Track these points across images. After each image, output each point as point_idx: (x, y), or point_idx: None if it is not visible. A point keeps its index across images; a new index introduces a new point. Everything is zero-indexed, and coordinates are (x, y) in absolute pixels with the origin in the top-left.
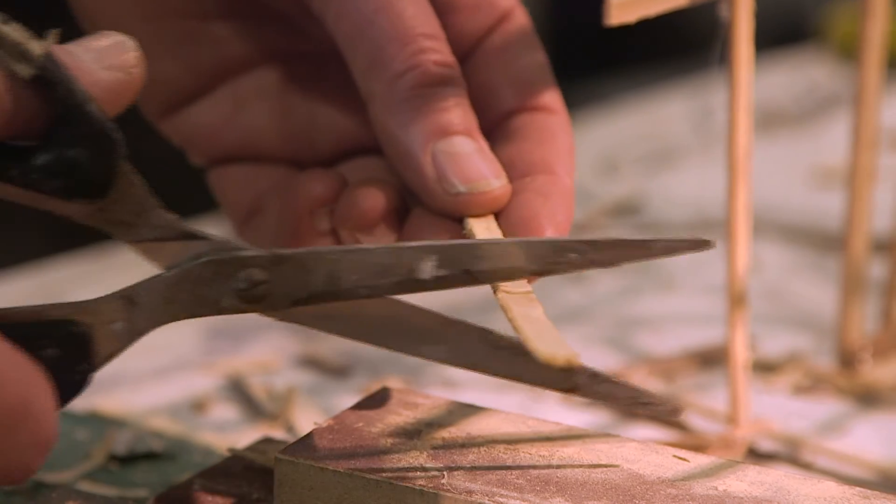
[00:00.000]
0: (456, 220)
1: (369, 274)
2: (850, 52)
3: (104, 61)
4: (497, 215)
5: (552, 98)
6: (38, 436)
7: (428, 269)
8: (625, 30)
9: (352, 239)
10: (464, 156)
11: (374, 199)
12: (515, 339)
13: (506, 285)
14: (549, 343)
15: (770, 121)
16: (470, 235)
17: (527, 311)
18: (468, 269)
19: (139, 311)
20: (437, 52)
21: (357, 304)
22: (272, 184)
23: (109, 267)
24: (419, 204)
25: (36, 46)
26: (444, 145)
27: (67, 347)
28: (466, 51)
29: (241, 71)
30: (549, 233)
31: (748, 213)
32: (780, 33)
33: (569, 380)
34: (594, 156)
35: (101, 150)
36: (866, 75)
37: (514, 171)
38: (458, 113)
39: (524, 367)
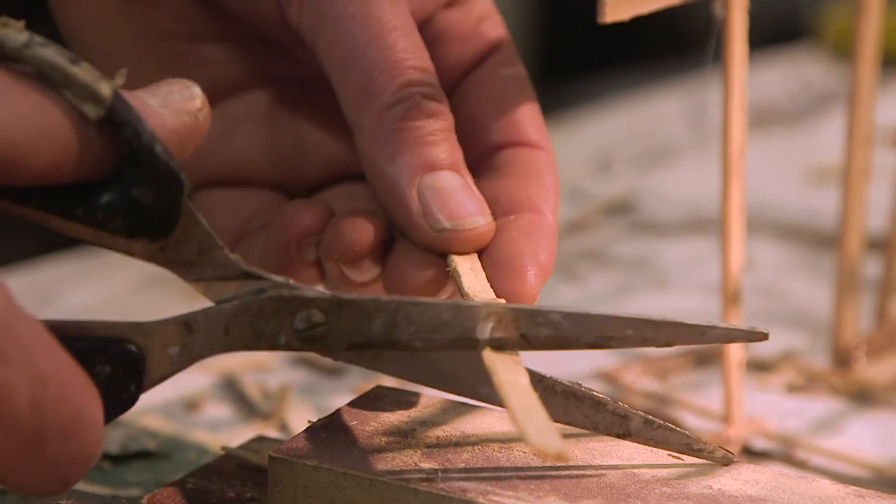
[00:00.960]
0: (440, 255)
1: (427, 328)
2: (844, 51)
3: (171, 105)
4: (480, 252)
5: (539, 134)
6: (84, 450)
7: (486, 329)
8: (619, 28)
9: (336, 270)
10: (450, 191)
11: (360, 232)
12: (571, 385)
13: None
14: (539, 429)
15: (764, 119)
16: (453, 272)
17: (514, 379)
18: (525, 333)
19: (196, 338)
20: (427, 86)
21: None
22: (259, 209)
23: (101, 266)
24: (403, 236)
25: (105, 87)
26: (431, 180)
27: (121, 367)
28: (454, 81)
29: (231, 94)
30: (532, 273)
31: (742, 211)
32: (774, 31)
33: (623, 425)
34: (588, 154)
35: (166, 190)
36: (861, 73)
37: (498, 208)
38: (445, 147)
39: (577, 412)
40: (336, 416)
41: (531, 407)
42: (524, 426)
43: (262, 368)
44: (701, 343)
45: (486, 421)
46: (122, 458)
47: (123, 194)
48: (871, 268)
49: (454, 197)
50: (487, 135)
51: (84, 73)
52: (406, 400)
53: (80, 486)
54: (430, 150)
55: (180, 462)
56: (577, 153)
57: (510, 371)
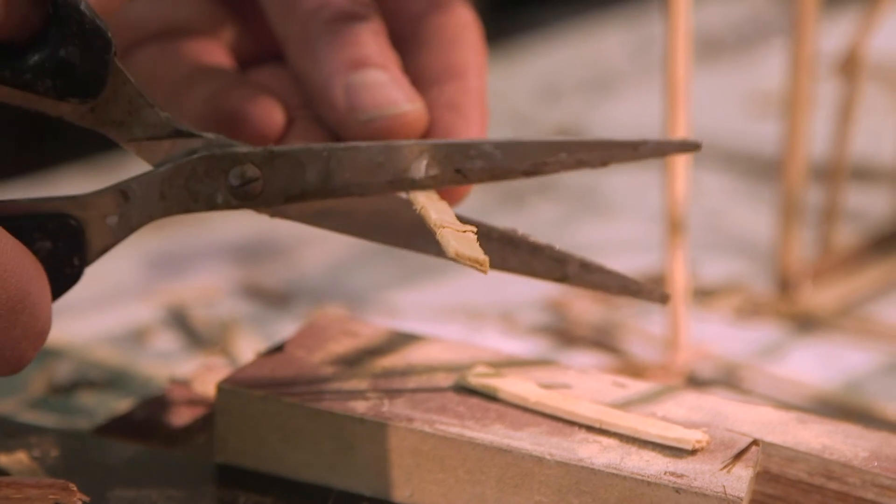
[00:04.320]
0: None
1: (362, 171)
2: None
3: None
4: None
5: (460, 2)
6: (35, 327)
7: (420, 167)
8: None
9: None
10: (377, 85)
11: (271, 114)
12: (507, 231)
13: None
14: (462, 243)
15: (708, 49)
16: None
17: (440, 211)
18: (459, 167)
19: (133, 206)
20: None
21: (351, 200)
22: (198, 59)
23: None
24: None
25: None
26: (358, 77)
27: (61, 240)
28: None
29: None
30: None
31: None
32: None
33: (560, 270)
34: (534, 83)
35: (93, 49)
36: (803, 2)
37: (423, 82)
38: (372, 47)
39: (514, 258)
40: (283, 346)
41: (456, 226)
42: (446, 238)
43: (210, 299)
44: (636, 159)
45: (432, 350)
46: (69, 389)
47: (51, 54)
48: (814, 195)
49: (381, 89)
50: (407, 5)
51: None
52: (353, 330)
53: (28, 416)
54: (356, 50)
55: (128, 393)
56: (522, 82)
57: (441, 210)
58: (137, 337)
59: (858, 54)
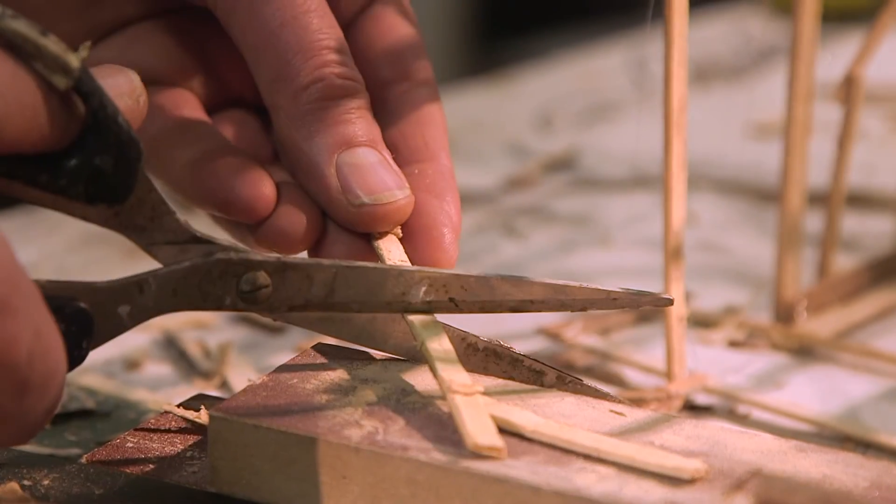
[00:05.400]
0: (364, 235)
1: (363, 290)
2: (785, 5)
3: (114, 89)
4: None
5: (423, 69)
6: (54, 402)
7: (419, 293)
8: None
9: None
10: (368, 167)
11: (296, 224)
12: (492, 343)
13: None
14: (477, 427)
15: (706, 74)
16: (378, 253)
17: (437, 342)
18: (454, 297)
19: (146, 298)
20: (342, 66)
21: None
22: (173, 111)
23: (39, 223)
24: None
25: (73, 58)
26: (349, 157)
27: (74, 324)
28: (348, 22)
29: (136, 22)
30: (448, 238)
31: (684, 166)
32: None
33: (538, 380)
34: (530, 111)
35: (125, 158)
36: (801, 28)
37: (399, 158)
38: (361, 125)
39: (496, 368)
40: (277, 374)
41: (458, 380)
42: (463, 426)
43: (203, 327)
44: (613, 308)
45: (426, 378)
46: (61, 417)
47: (86, 161)
48: (813, 222)
49: (372, 172)
50: (376, 71)
51: (53, 44)
52: (347, 357)
53: (20, 445)
54: (346, 128)
55: (120, 421)
56: (518, 110)
57: (431, 331)
58: (130, 364)
59: (856, 79)
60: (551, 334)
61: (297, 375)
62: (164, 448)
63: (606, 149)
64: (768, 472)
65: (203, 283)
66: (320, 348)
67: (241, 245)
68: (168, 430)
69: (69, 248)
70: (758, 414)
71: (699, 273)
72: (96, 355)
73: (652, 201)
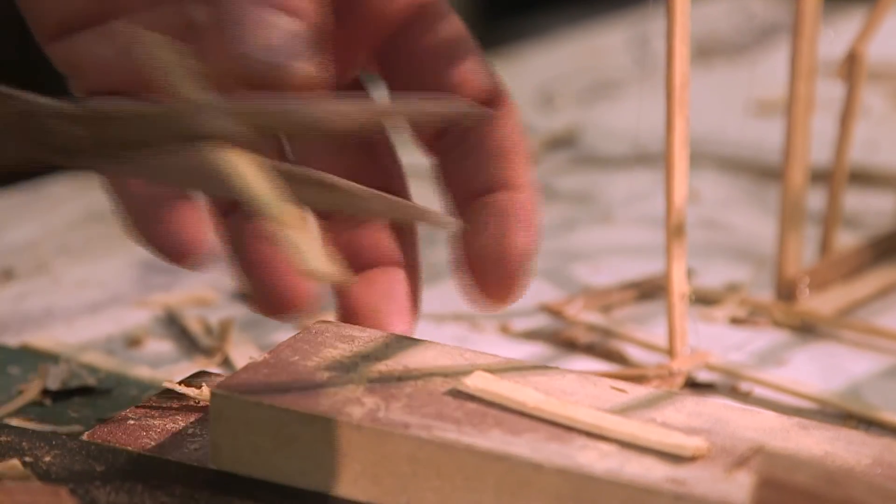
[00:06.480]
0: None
1: (161, 127)
2: None
3: None
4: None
5: (498, 87)
6: None
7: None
8: None
9: None
10: (285, 31)
11: (294, 290)
12: (301, 170)
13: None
14: (311, 252)
15: (708, 51)
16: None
17: (252, 176)
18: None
19: None
20: None
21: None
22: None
23: (41, 200)
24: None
25: None
26: (271, 15)
27: None
28: (385, 36)
29: (140, 8)
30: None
31: (686, 143)
32: None
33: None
34: (531, 89)
35: None
36: (804, 5)
37: (471, 192)
38: None
39: (312, 196)
40: (278, 351)
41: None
42: (299, 257)
43: (205, 304)
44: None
45: (429, 355)
46: (62, 394)
47: None
48: (815, 200)
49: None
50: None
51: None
52: (348, 334)
53: (20, 422)
54: None
55: (121, 398)
56: (519, 87)
57: (242, 163)
58: (131, 342)
59: (858, 57)
60: (553, 311)
61: (298, 353)
62: (165, 425)
63: (608, 126)
64: (770, 450)
65: (4, 137)
66: (322, 326)
67: (43, 97)
68: (169, 408)
69: (71, 225)
70: (759, 391)
71: (701, 250)
72: (97, 332)
73: (653, 179)
